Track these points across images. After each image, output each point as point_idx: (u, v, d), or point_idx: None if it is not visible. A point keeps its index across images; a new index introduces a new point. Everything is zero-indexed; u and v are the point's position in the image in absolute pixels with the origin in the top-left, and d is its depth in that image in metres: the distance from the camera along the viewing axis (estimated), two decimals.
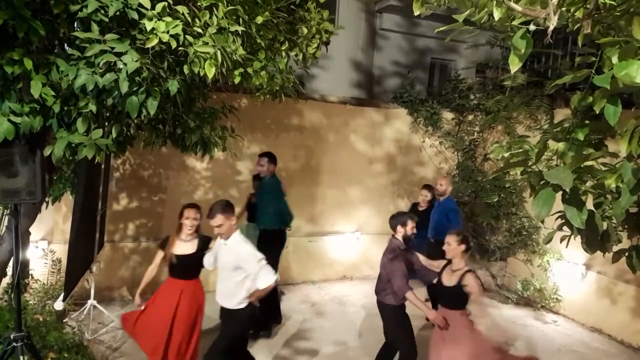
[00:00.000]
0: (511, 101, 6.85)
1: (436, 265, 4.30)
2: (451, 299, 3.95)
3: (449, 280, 3.97)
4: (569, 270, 6.50)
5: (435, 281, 4.20)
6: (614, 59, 1.71)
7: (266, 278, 3.67)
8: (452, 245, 3.97)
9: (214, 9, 3.00)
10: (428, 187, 6.41)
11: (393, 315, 4.19)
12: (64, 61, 2.74)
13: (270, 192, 5.52)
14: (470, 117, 7.83)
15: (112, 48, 2.66)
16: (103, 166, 5.13)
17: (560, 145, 2.17)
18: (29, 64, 2.66)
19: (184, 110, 3.91)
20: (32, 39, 2.63)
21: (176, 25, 2.75)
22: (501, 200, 6.97)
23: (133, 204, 6.32)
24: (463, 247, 3.95)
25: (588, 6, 1.70)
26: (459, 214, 6.08)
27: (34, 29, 2.57)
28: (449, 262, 4.07)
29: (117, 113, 3.19)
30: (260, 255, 3.73)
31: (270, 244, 5.25)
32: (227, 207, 3.77)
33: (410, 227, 4.24)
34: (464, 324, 3.88)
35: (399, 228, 4.23)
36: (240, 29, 3.07)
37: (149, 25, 2.70)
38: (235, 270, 3.73)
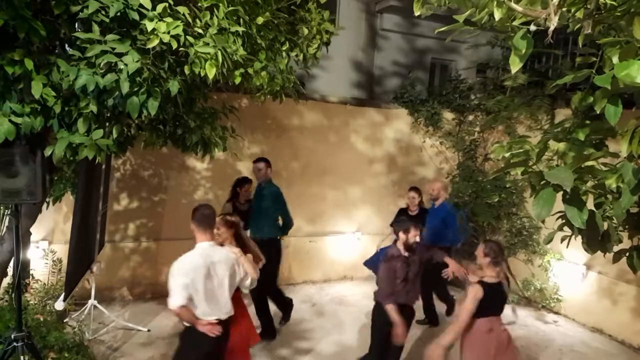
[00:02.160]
0: (512, 101, 6.84)
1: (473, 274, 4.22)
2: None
3: None
4: (569, 270, 6.49)
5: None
6: (615, 59, 1.71)
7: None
8: (479, 254, 3.89)
9: (215, 9, 3.01)
10: (415, 189, 6.21)
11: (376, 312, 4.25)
12: (64, 62, 2.75)
13: (269, 198, 5.46)
14: (470, 117, 7.83)
15: (113, 49, 2.67)
16: (104, 166, 5.13)
17: (561, 146, 2.17)
18: (29, 64, 2.66)
19: (185, 111, 3.92)
20: (33, 39, 2.64)
21: (177, 26, 2.75)
22: (502, 200, 6.97)
23: (134, 204, 6.32)
24: (487, 259, 3.83)
25: (588, 6, 1.70)
26: (455, 219, 6.04)
27: (34, 30, 2.58)
28: None
29: (117, 113, 3.19)
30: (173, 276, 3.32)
31: (270, 254, 4.80)
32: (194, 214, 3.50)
33: (412, 234, 4.14)
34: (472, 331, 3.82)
35: (401, 234, 4.16)
36: (240, 29, 3.08)
37: (149, 26, 2.70)
38: None
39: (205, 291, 3.36)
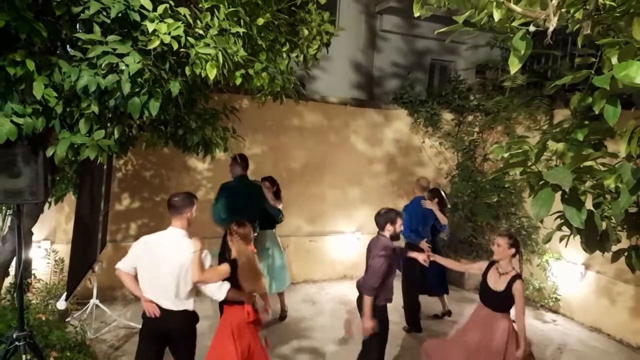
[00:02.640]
0: (511, 102, 6.86)
1: (476, 267, 4.22)
2: (496, 301, 3.92)
3: (495, 282, 3.92)
4: (568, 269, 6.51)
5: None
6: (614, 60, 1.72)
7: None
8: (501, 247, 3.90)
9: (215, 10, 3.02)
10: (431, 191, 6.28)
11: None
12: (66, 62, 2.76)
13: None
14: (470, 118, 7.85)
15: (114, 49, 2.67)
16: (105, 167, 5.14)
17: (560, 146, 2.18)
18: (31, 65, 2.67)
19: (186, 111, 3.93)
20: (35, 40, 2.64)
21: (178, 27, 2.77)
22: (501, 200, 6.99)
23: (135, 204, 6.33)
24: (512, 250, 3.89)
25: (588, 7, 1.71)
26: (406, 216, 5.94)
27: (36, 31, 2.58)
28: (493, 262, 4.01)
29: (119, 114, 3.20)
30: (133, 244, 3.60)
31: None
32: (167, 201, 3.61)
33: (399, 224, 4.06)
34: (505, 327, 3.88)
35: (388, 226, 4.04)
36: (241, 30, 3.09)
37: (150, 27, 2.71)
38: None
39: (150, 271, 3.47)
